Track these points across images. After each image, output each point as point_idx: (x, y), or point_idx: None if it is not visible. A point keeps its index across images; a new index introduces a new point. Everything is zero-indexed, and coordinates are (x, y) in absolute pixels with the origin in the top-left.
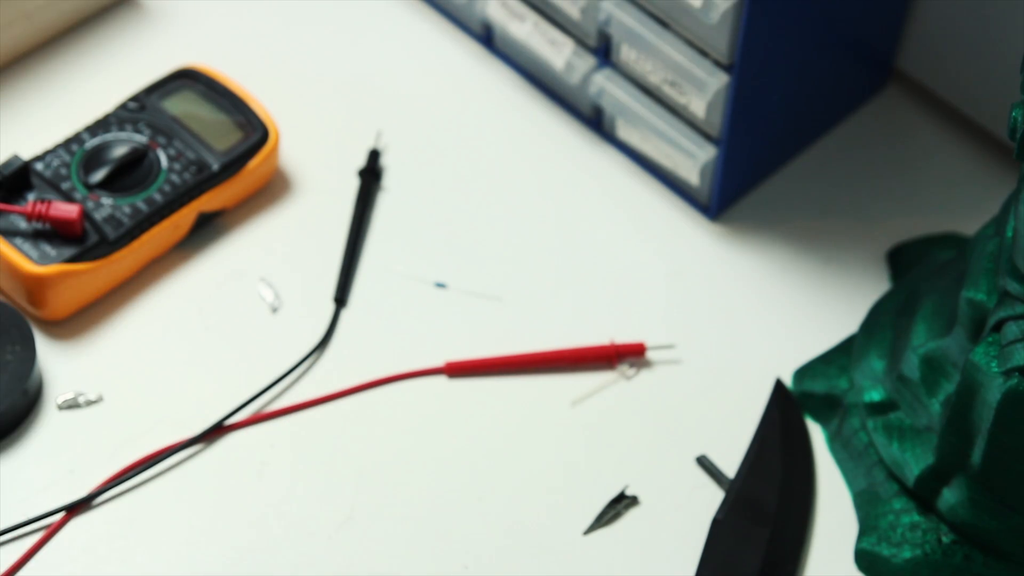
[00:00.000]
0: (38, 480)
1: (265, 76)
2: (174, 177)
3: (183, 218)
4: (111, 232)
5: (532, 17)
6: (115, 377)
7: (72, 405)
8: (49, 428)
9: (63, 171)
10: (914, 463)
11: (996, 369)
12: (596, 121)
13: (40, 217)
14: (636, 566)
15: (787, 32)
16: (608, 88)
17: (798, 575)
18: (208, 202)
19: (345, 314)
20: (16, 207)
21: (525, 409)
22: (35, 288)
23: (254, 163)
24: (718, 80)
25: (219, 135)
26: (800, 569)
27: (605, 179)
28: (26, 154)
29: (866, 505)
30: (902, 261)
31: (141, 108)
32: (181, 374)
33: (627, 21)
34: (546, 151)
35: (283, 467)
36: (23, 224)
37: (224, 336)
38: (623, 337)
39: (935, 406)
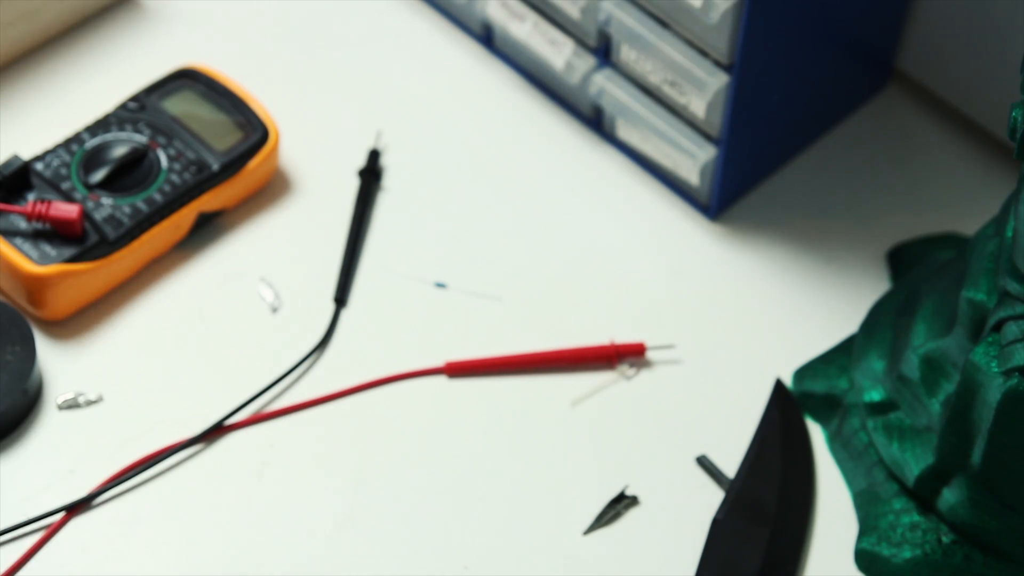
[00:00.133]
0: (38, 480)
1: (265, 76)
2: (174, 177)
3: (183, 218)
4: (111, 232)
5: (532, 17)
6: (115, 377)
7: (72, 405)
8: (49, 428)
9: (63, 171)
10: (914, 463)
11: (996, 369)
12: (596, 121)
13: (40, 217)
14: (636, 566)
15: (787, 32)
16: (608, 88)
17: (798, 575)
18: (208, 202)
19: (345, 314)
20: (16, 207)
21: (525, 409)
22: (35, 288)
23: (254, 163)
24: (718, 80)
25: (219, 135)
26: (800, 569)
27: (605, 179)
28: (26, 154)
29: (866, 505)
30: (902, 261)
31: (141, 108)
32: (181, 374)
33: (627, 21)
34: (546, 151)
35: (283, 467)
36: (23, 224)
37: (224, 336)
38: (623, 337)
39: (935, 406)
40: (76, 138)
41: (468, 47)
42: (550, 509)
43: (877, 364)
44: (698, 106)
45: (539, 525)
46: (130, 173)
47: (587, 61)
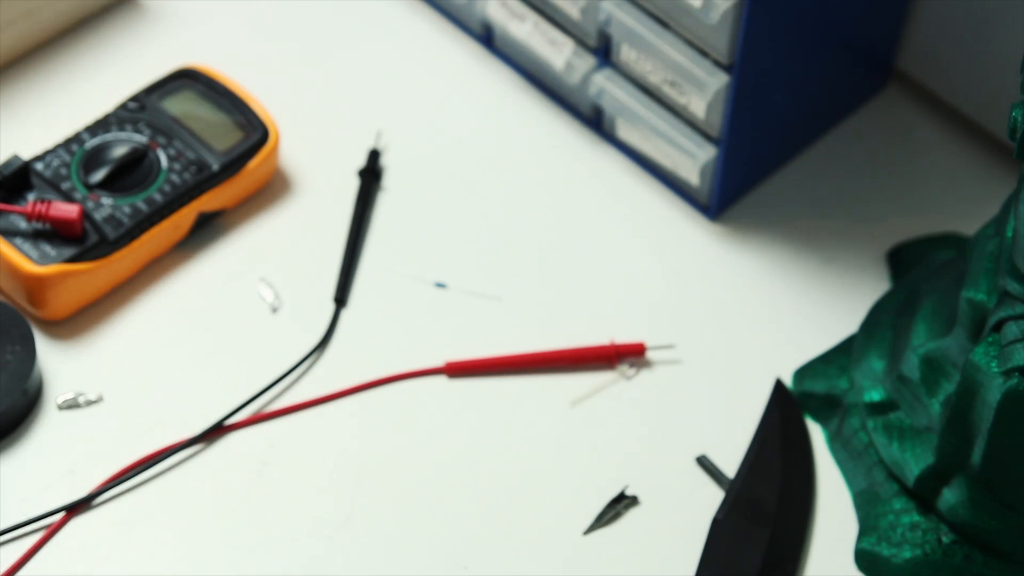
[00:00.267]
0: (38, 480)
1: (265, 76)
2: (174, 177)
3: (183, 218)
4: (111, 232)
5: (532, 17)
6: (115, 377)
7: (72, 405)
8: (49, 428)
9: (63, 171)
10: (914, 463)
11: (996, 369)
12: (596, 121)
13: (40, 217)
14: (636, 566)
15: (787, 32)
16: (608, 88)
17: (798, 575)
18: (208, 202)
19: (345, 314)
20: (16, 207)
21: (525, 409)
22: (35, 288)
23: (254, 163)
24: (718, 80)
25: (219, 135)
26: (800, 569)
27: (605, 179)
28: (26, 154)
29: (866, 505)
30: (902, 261)
31: (141, 108)
32: (181, 374)
33: (627, 21)
34: (546, 151)
35: (283, 467)
36: (23, 224)
37: (224, 336)
38: (623, 337)
39: (935, 406)
40: (76, 138)
41: (468, 47)
42: (550, 509)
43: (877, 364)
44: (698, 106)
45: (539, 525)
46: (130, 173)
47: (587, 61)
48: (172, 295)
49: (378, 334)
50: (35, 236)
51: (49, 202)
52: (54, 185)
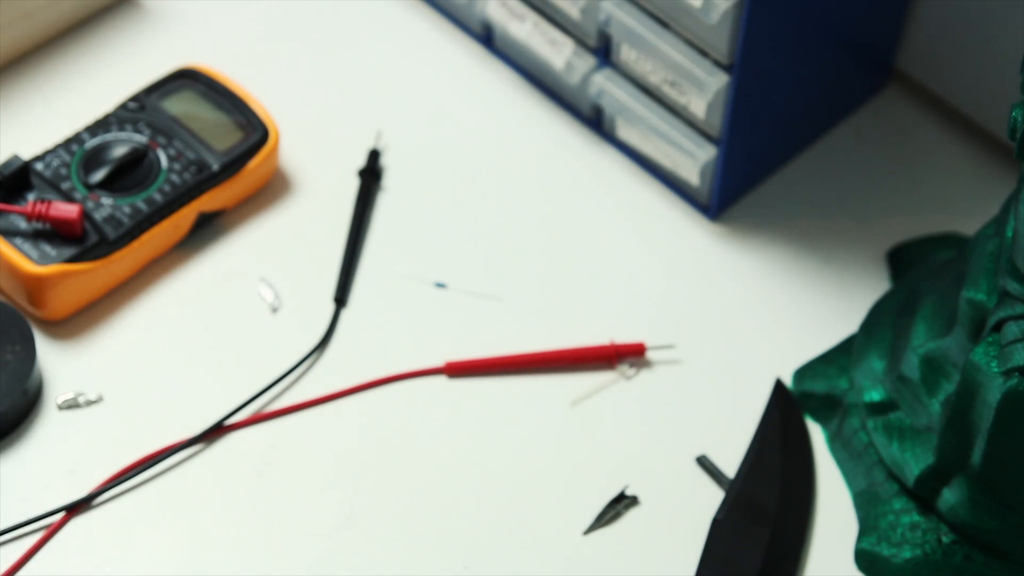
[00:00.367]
0: (38, 480)
1: (265, 76)
2: (174, 177)
3: (183, 218)
4: (111, 232)
5: (532, 17)
6: (115, 377)
7: (72, 405)
8: (49, 428)
9: (63, 171)
10: (914, 463)
11: (996, 369)
12: (596, 121)
13: (40, 217)
14: (636, 566)
15: (787, 32)
16: (608, 88)
17: (798, 575)
18: (208, 202)
19: (345, 314)
20: (16, 207)
21: (525, 409)
22: (35, 288)
23: (254, 163)
24: (718, 80)
25: (219, 135)
26: (800, 569)
27: (605, 179)
28: (26, 154)
29: (866, 505)
30: (902, 261)
31: (141, 108)
32: (181, 374)
33: (627, 21)
34: (546, 151)
35: (283, 467)
36: (23, 224)
37: (224, 336)
38: (623, 337)
39: (935, 406)
40: (76, 138)
41: (468, 47)
42: (550, 509)
43: (877, 364)
44: (698, 106)
45: (539, 525)
46: (130, 173)
47: (587, 61)
48: (172, 295)
49: (378, 334)
50: (35, 236)
51: (49, 202)
52: (54, 185)
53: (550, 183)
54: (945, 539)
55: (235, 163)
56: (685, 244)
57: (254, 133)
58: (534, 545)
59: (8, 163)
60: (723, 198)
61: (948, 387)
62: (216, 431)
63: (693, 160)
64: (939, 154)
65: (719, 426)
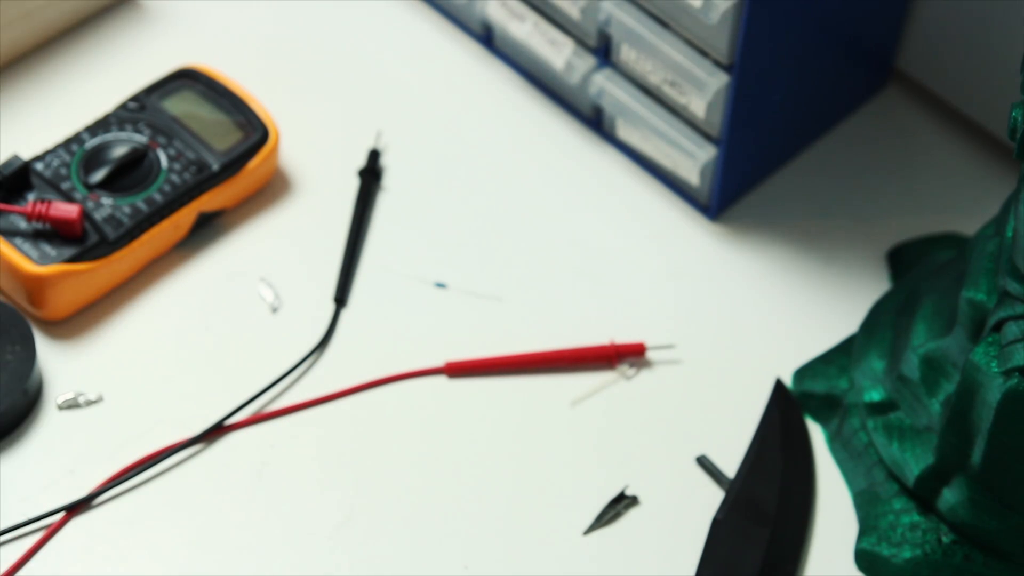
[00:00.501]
0: (38, 480)
1: (265, 76)
2: (174, 177)
3: (183, 218)
4: (111, 232)
5: (532, 17)
6: (115, 377)
7: (72, 405)
8: (49, 428)
9: (63, 171)
10: (914, 463)
11: (996, 369)
12: (596, 121)
13: (40, 217)
14: (636, 566)
15: (787, 32)
16: (608, 88)
17: (798, 575)
18: (208, 202)
19: (345, 314)
20: (16, 207)
21: (525, 409)
22: (35, 288)
23: (254, 163)
24: (718, 80)
25: (219, 135)
26: (800, 569)
27: (605, 179)
28: (26, 154)
29: (866, 505)
30: (902, 261)
31: (141, 108)
32: (181, 374)
33: (627, 21)
34: (546, 151)
35: (283, 467)
36: (23, 224)
37: (224, 336)
38: (623, 337)
39: (935, 406)
40: (76, 138)
41: (468, 47)
42: (550, 509)
43: (877, 364)
44: (698, 106)
45: (539, 525)
46: (130, 173)
47: (587, 61)
48: (172, 295)
49: (378, 334)
50: (35, 236)
51: (49, 202)
52: (54, 185)
53: (550, 183)
54: (945, 539)
55: (235, 163)
56: (685, 244)
57: (254, 133)
58: (534, 545)
59: (8, 163)
60: (723, 198)
61: (948, 387)
62: (216, 431)
63: (693, 160)
64: (939, 154)
65: (719, 426)
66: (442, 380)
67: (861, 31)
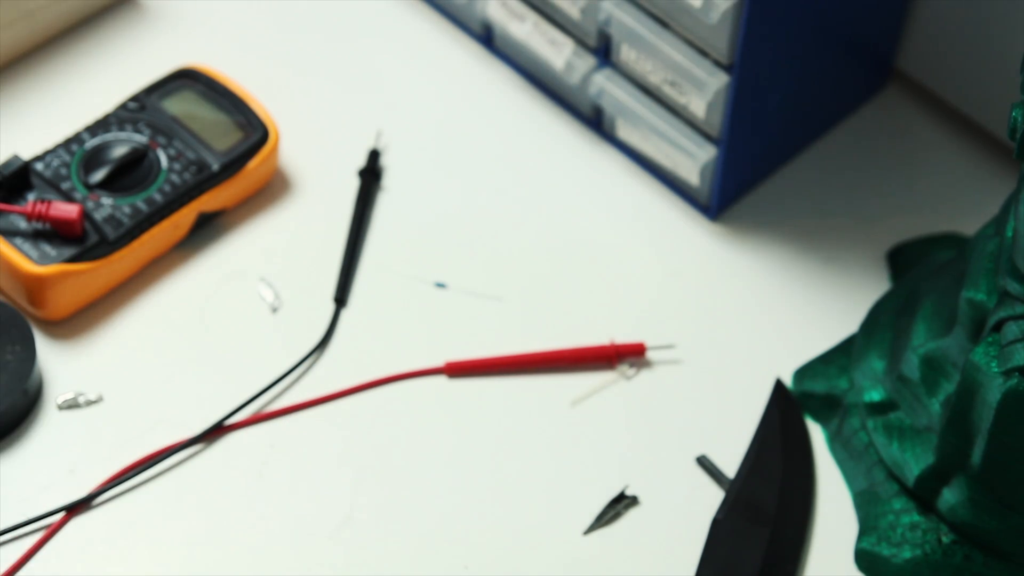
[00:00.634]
0: (38, 480)
1: (265, 76)
2: (174, 177)
3: (183, 218)
4: (111, 232)
5: (532, 17)
6: (115, 377)
7: (72, 405)
8: (49, 428)
9: (63, 171)
10: (914, 463)
11: (996, 369)
12: (596, 121)
13: (40, 217)
14: (636, 566)
15: (787, 32)
16: (608, 88)
17: (798, 575)
18: (208, 202)
19: (345, 314)
20: (16, 207)
21: (525, 409)
22: (35, 288)
23: (254, 163)
24: (718, 80)
25: (219, 135)
26: (800, 569)
27: (605, 179)
28: (26, 154)
29: (866, 505)
30: (902, 261)
31: (141, 108)
32: (181, 374)
33: (627, 21)
34: (546, 151)
35: (283, 467)
36: (23, 224)
37: (224, 336)
38: (623, 337)
39: (935, 406)
40: (76, 138)
41: (468, 47)
42: (550, 509)
43: (877, 364)
44: (698, 106)
45: (539, 525)
46: (130, 173)
47: (587, 61)
48: (172, 295)
49: (378, 334)
50: (35, 236)
51: (49, 202)
52: (54, 185)
53: (550, 183)
54: (945, 539)
55: (235, 163)
56: (685, 244)
57: (254, 133)
58: (534, 545)
59: (8, 163)
60: (723, 198)
61: (948, 387)
62: (216, 431)
63: (693, 160)
64: (939, 154)
65: (719, 426)
66: (442, 380)
67: (861, 31)
